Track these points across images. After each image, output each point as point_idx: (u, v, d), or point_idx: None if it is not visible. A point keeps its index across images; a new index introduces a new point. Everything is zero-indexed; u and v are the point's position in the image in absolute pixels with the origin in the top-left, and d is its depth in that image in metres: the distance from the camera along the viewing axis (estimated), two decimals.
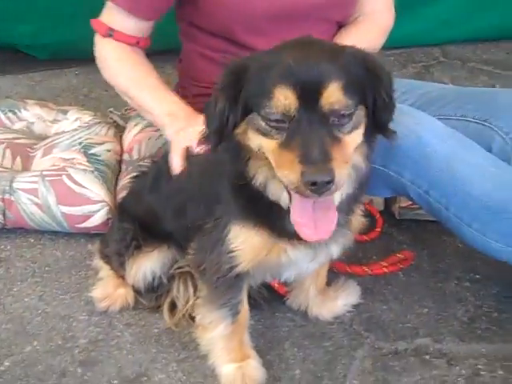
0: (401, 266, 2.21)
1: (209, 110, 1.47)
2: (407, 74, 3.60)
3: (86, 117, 2.69)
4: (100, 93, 3.24)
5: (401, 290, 2.17)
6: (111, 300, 2.01)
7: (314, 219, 1.42)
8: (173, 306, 1.99)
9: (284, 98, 1.31)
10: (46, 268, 2.22)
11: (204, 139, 1.51)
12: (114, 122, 2.86)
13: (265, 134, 1.36)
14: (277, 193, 1.50)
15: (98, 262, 2.11)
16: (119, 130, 2.73)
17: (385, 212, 2.45)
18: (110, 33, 2.03)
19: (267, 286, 2.01)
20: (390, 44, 3.63)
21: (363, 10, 2.24)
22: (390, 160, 1.86)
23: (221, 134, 1.45)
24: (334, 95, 1.32)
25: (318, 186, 1.28)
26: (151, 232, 1.93)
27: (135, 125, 2.62)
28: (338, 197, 1.52)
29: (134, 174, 2.20)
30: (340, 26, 2.23)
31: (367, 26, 2.22)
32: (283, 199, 1.50)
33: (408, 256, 2.22)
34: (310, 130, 1.30)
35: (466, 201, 1.80)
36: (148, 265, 1.93)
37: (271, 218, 1.58)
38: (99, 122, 2.67)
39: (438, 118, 2.13)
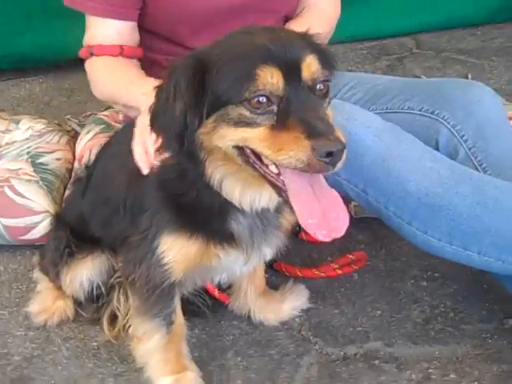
0: (355, 267, 2.13)
1: (164, 114, 1.35)
2: (380, 66, 3.54)
3: (39, 125, 2.62)
4: (61, 100, 3.20)
5: (354, 293, 2.10)
6: (49, 313, 1.95)
7: (324, 216, 1.33)
8: (114, 318, 1.93)
9: (270, 77, 1.26)
10: None
11: (163, 148, 1.42)
12: (73, 129, 2.82)
13: (249, 123, 1.27)
14: (232, 191, 1.43)
15: (37, 275, 2.05)
16: (75, 138, 2.67)
17: None
18: (91, 51, 1.97)
19: (208, 294, 1.94)
20: (364, 36, 3.68)
21: (308, 1, 2.17)
22: None
23: (182, 138, 1.35)
24: (313, 65, 1.31)
25: (334, 157, 1.22)
26: (83, 238, 1.86)
27: (87, 132, 2.56)
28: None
29: (71, 180, 2.14)
30: (287, 19, 2.16)
31: (312, 18, 2.15)
32: (237, 197, 1.44)
33: (360, 256, 2.14)
34: (304, 105, 1.26)
35: (403, 198, 1.72)
36: (83, 272, 1.87)
37: (208, 224, 1.51)
38: (52, 130, 2.61)
39: (386, 112, 2.07)
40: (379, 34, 3.76)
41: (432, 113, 1.99)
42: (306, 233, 2.20)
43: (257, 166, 1.34)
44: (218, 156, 1.37)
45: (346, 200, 2.31)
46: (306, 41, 1.38)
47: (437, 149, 1.93)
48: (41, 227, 2.20)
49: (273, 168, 1.33)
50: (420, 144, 1.81)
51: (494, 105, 1.98)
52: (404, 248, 2.24)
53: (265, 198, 1.47)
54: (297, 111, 1.26)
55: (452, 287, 2.09)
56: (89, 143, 2.49)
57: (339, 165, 1.25)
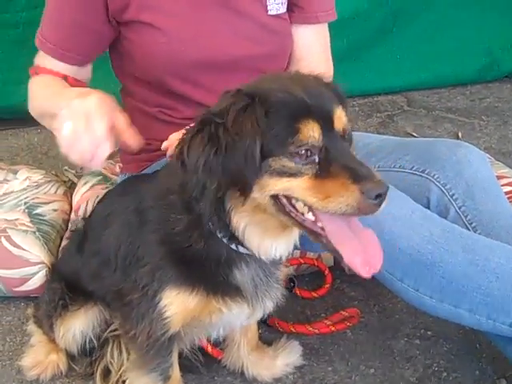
0: (348, 324, 2.14)
1: (240, 155, 1.30)
2: (372, 123, 3.61)
3: (36, 176, 2.66)
4: (59, 151, 3.18)
5: (347, 350, 2.10)
6: (42, 367, 1.94)
7: (365, 254, 1.38)
8: (107, 373, 1.92)
9: (312, 131, 1.31)
10: None
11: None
12: (70, 180, 2.85)
13: (293, 173, 1.32)
14: (252, 240, 1.45)
15: (31, 327, 2.04)
16: (73, 189, 2.70)
17: (335, 268, 2.38)
18: (36, 71, 1.95)
19: (202, 350, 1.94)
20: (354, 92, 3.76)
21: (298, 64, 2.20)
22: None
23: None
24: (343, 117, 1.38)
25: (382, 197, 1.28)
26: (78, 290, 1.86)
27: (85, 183, 2.59)
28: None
29: (68, 231, 2.15)
30: None
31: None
32: (256, 246, 1.46)
33: (353, 313, 2.15)
34: (342, 153, 1.33)
35: (395, 256, 1.74)
36: (76, 325, 1.86)
37: (212, 276, 1.53)
38: (49, 181, 2.64)
39: (378, 170, 2.10)
40: (371, 91, 3.85)
41: (423, 171, 2.02)
42: (300, 288, 2.30)
43: (293, 215, 1.38)
44: (248, 207, 1.39)
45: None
46: (329, 88, 1.44)
47: (428, 207, 1.96)
48: (36, 279, 2.20)
49: (309, 215, 1.37)
50: (411, 202, 1.84)
51: (482, 165, 2.02)
52: (397, 305, 2.25)
53: (281, 246, 1.50)
54: (337, 159, 1.31)
55: (445, 346, 2.10)
56: (86, 194, 2.52)
57: (384, 205, 1.30)
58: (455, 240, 1.75)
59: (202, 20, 1.93)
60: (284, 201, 1.37)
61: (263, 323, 2.11)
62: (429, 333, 2.16)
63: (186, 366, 1.91)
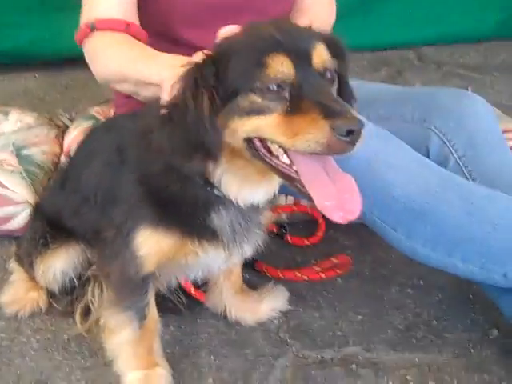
0: (338, 272, 2.08)
1: (183, 118, 1.28)
2: (379, 77, 3.49)
3: (28, 118, 2.60)
4: (55, 96, 3.17)
5: (336, 297, 2.04)
6: (20, 304, 1.90)
7: (339, 199, 1.30)
8: (87, 311, 1.87)
9: (281, 66, 1.25)
10: None
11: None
12: (64, 124, 2.79)
13: (260, 111, 1.25)
14: (230, 187, 1.41)
15: (13, 265, 2.00)
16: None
17: None
18: (92, 26, 1.73)
19: (184, 291, 1.89)
20: (363, 46, 3.64)
21: (300, 5, 2.13)
22: None
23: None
24: (323, 54, 1.31)
25: (354, 135, 1.19)
26: (59, 229, 1.81)
27: (76, 127, 2.54)
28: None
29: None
30: None
31: (306, 22, 2.11)
32: (234, 193, 1.42)
33: (344, 261, 2.09)
34: (316, 89, 1.25)
35: (388, 203, 1.69)
36: (56, 263, 1.81)
37: (188, 218, 1.48)
38: (41, 124, 2.59)
39: (379, 119, 2.03)
40: (380, 46, 3.72)
41: (424, 120, 1.97)
42: (292, 235, 2.24)
43: (267, 159, 1.31)
44: (224, 153, 1.33)
45: None
46: (313, 31, 1.38)
47: (427, 157, 1.90)
48: (20, 218, 2.16)
49: (284, 158, 1.30)
50: (409, 150, 1.77)
51: (486, 116, 1.96)
52: (391, 255, 2.18)
53: (261, 193, 1.45)
54: (310, 95, 1.24)
55: (437, 296, 2.04)
56: (76, 138, 2.46)
57: (358, 145, 1.22)
58: (452, 189, 1.70)
59: None
60: (258, 144, 1.30)
61: (250, 268, 2.06)
62: (421, 282, 2.10)
63: (168, 308, 1.88)
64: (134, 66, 1.64)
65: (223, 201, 1.46)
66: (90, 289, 1.87)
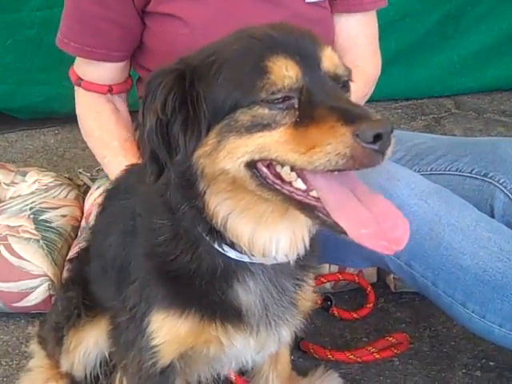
0: (395, 351, 1.84)
1: (141, 134, 1.13)
2: (417, 127, 3.32)
3: (47, 178, 2.43)
4: (76, 153, 3.03)
5: (394, 382, 1.80)
6: None
7: (379, 225, 1.04)
8: None
9: (285, 70, 1.04)
10: None
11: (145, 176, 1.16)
12: (84, 184, 2.61)
13: (265, 125, 1.03)
14: (240, 233, 1.14)
15: (33, 347, 1.78)
16: (87, 194, 2.46)
17: (379, 284, 2.11)
18: (79, 82, 1.90)
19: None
20: (398, 96, 3.47)
21: (346, 57, 1.93)
22: None
23: (159, 162, 1.12)
24: (333, 57, 1.11)
25: (383, 141, 0.97)
26: (95, 299, 1.59)
27: (97, 187, 2.35)
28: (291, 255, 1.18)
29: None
30: None
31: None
32: (245, 241, 1.14)
33: (401, 338, 1.85)
34: (330, 93, 1.05)
35: (456, 275, 1.48)
36: (91, 336, 1.58)
37: (206, 294, 1.23)
38: (60, 184, 2.41)
39: (430, 174, 1.85)
40: (415, 95, 3.55)
41: (485, 175, 1.77)
42: (338, 307, 2.01)
43: (278, 187, 1.06)
44: (223, 185, 1.10)
45: (385, 272, 2.07)
46: (317, 35, 1.16)
47: (492, 216, 1.70)
48: (37, 293, 1.96)
49: (299, 184, 1.05)
50: (473, 210, 1.57)
51: None
52: (452, 329, 1.97)
53: (284, 242, 1.16)
54: (323, 101, 1.03)
55: (511, 380, 1.78)
56: (98, 200, 2.26)
57: (389, 153, 0.99)
58: None
59: (233, 12, 1.69)
60: (264, 170, 1.06)
61: (295, 348, 1.82)
62: (491, 363, 1.86)
63: None
64: (101, 151, 1.89)
65: (248, 267, 1.20)
66: (117, 379, 1.62)
